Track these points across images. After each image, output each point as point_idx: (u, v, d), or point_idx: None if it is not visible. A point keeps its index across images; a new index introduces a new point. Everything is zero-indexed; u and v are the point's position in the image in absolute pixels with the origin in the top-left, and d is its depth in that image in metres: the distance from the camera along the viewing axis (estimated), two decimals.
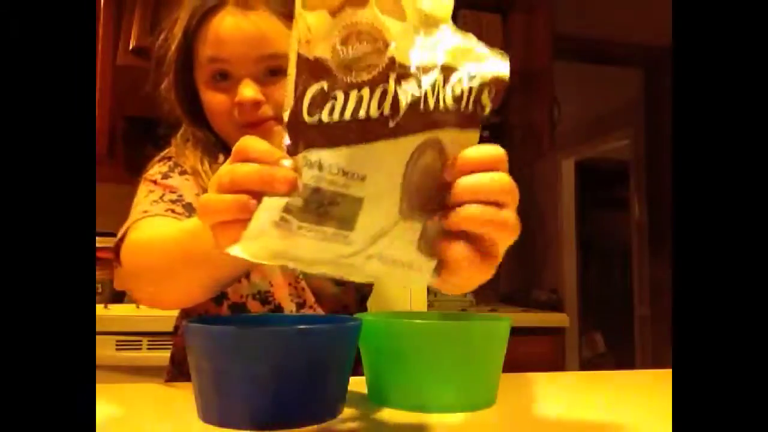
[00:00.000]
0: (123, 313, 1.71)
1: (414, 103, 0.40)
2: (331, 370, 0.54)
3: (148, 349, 1.65)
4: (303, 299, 0.83)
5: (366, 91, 0.38)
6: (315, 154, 0.38)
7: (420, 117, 0.40)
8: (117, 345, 1.67)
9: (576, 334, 4.07)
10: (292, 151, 0.38)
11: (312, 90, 0.38)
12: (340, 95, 0.38)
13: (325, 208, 0.39)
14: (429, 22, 0.42)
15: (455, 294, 0.52)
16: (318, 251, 0.40)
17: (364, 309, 0.94)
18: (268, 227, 0.39)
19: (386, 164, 0.40)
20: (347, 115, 0.38)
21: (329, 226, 0.39)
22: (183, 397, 0.63)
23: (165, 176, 0.80)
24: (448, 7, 0.43)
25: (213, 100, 0.78)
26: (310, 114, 0.38)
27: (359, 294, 0.92)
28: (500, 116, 2.62)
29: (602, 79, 3.39)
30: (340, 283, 0.85)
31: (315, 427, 0.52)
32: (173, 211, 0.74)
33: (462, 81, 0.42)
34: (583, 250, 4.42)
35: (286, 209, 0.38)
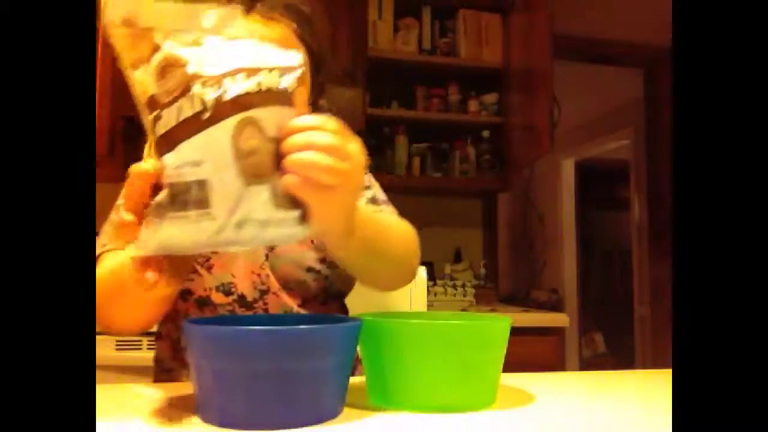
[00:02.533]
0: None
1: (219, 97, 0.51)
2: (330, 370, 0.54)
3: (148, 349, 1.65)
4: (267, 286, 0.86)
5: (181, 102, 0.51)
6: (164, 159, 0.51)
7: (227, 105, 0.52)
8: (117, 345, 1.67)
9: (576, 334, 4.07)
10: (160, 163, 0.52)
11: (153, 116, 0.52)
12: (166, 112, 0.51)
13: (183, 197, 0.50)
14: (228, 41, 0.55)
15: (331, 241, 0.65)
16: (193, 234, 0.50)
17: (339, 302, 0.94)
18: (146, 224, 0.51)
19: (212, 146, 0.51)
20: (172, 123, 0.51)
21: (191, 209, 0.50)
22: (183, 397, 0.63)
23: None
24: (247, 30, 0.59)
25: None
26: (155, 132, 0.52)
27: (333, 287, 0.91)
28: (500, 116, 2.63)
29: (602, 79, 3.39)
30: (309, 269, 0.87)
31: (315, 427, 0.52)
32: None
33: (262, 74, 0.54)
34: (583, 250, 4.42)
35: (157, 206, 0.51)
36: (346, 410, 0.57)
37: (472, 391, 0.59)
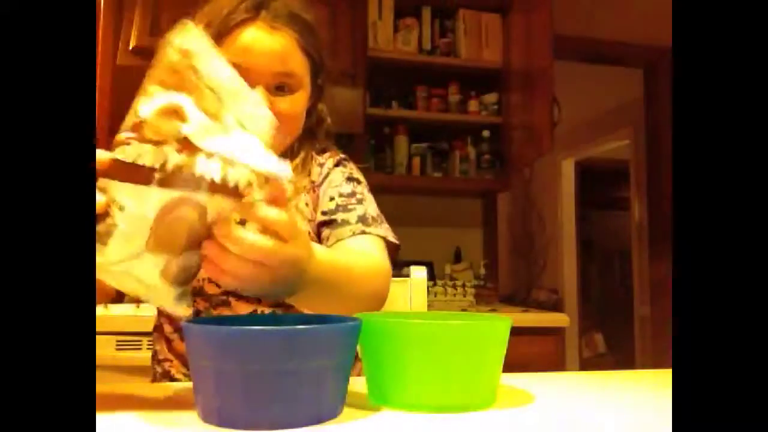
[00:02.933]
0: (123, 313, 1.71)
1: (179, 168, 0.53)
2: (330, 370, 0.54)
3: (148, 348, 1.65)
4: None
5: (150, 148, 0.52)
6: (108, 183, 0.53)
7: (183, 180, 0.53)
8: (117, 345, 1.67)
9: (576, 334, 4.07)
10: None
11: (121, 137, 0.53)
12: (136, 146, 0.52)
13: (101, 220, 0.52)
14: (240, 129, 0.56)
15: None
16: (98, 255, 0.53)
17: None
18: None
19: (143, 204, 0.53)
20: (129, 159, 0.52)
21: (98, 237, 0.53)
22: (183, 397, 0.63)
23: None
24: (264, 130, 0.58)
25: None
26: (114, 150, 0.53)
27: None
28: (500, 116, 2.63)
29: (602, 79, 3.39)
30: None
31: (315, 426, 0.52)
32: None
33: (235, 168, 0.55)
34: (583, 250, 4.42)
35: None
36: (346, 410, 0.57)
37: (472, 391, 0.59)
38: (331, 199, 0.92)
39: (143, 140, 0.53)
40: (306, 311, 0.77)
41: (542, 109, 2.27)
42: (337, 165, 0.97)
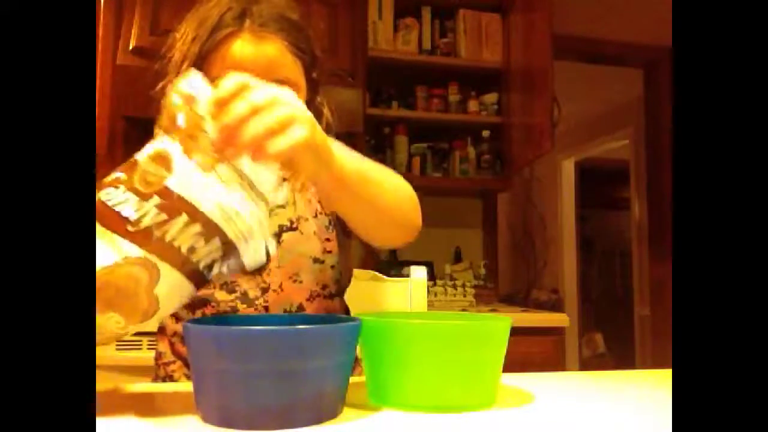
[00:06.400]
0: None
1: (154, 227, 0.52)
2: (330, 370, 0.54)
3: (148, 348, 1.65)
4: (268, 284, 0.87)
5: (135, 198, 0.52)
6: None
7: (151, 240, 0.52)
8: (117, 345, 1.67)
9: (576, 334, 4.07)
10: None
11: (115, 174, 0.53)
12: (123, 189, 0.53)
13: None
14: (241, 181, 0.55)
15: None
16: None
17: (341, 298, 0.95)
18: None
19: (103, 253, 0.52)
20: (111, 203, 0.52)
21: None
22: (183, 397, 0.63)
23: None
24: (270, 194, 0.57)
25: None
26: (102, 189, 0.53)
27: (340, 277, 0.93)
28: (500, 116, 2.63)
29: (602, 79, 3.39)
30: (315, 260, 0.89)
31: (315, 426, 0.52)
32: None
33: (209, 243, 0.54)
34: (583, 250, 4.43)
35: None
36: (346, 410, 0.57)
37: (472, 391, 0.59)
38: None
39: (129, 188, 0.53)
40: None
41: (542, 109, 2.27)
42: None
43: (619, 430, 0.54)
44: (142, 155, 0.54)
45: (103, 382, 0.64)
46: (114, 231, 0.52)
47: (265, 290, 0.86)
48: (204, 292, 0.84)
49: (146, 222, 0.52)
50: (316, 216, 0.92)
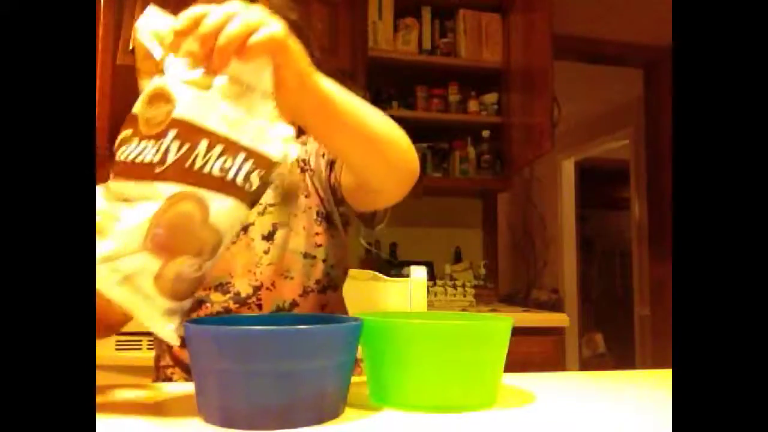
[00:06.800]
0: None
1: (180, 160, 0.51)
2: (331, 370, 0.54)
3: (148, 349, 1.65)
4: (260, 282, 0.87)
5: (151, 142, 0.51)
6: (111, 180, 0.53)
7: (182, 172, 0.51)
8: (117, 345, 1.67)
9: (576, 334, 4.07)
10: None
11: (122, 134, 0.53)
12: (136, 141, 0.52)
13: (101, 224, 0.51)
14: (244, 91, 0.54)
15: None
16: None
17: (336, 293, 0.95)
18: None
19: (144, 199, 0.51)
20: (131, 157, 0.52)
21: (97, 230, 0.51)
22: (183, 397, 0.63)
23: None
24: (267, 82, 0.55)
25: None
26: (116, 151, 0.53)
27: (332, 271, 0.93)
28: (500, 116, 2.63)
29: (602, 79, 3.39)
30: (306, 255, 0.89)
31: (316, 426, 0.52)
32: None
33: (235, 158, 0.52)
34: (583, 250, 4.43)
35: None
36: (347, 410, 0.57)
37: (473, 391, 0.59)
38: (322, 155, 0.93)
39: (141, 137, 0.52)
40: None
41: (542, 109, 2.27)
42: None
43: (619, 430, 0.54)
44: (137, 105, 0.53)
45: (103, 382, 0.64)
46: (145, 180, 0.51)
47: (257, 288, 0.87)
48: (199, 293, 0.84)
49: (171, 158, 0.51)
50: (305, 211, 0.92)
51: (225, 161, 0.52)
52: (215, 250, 0.54)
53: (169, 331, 0.54)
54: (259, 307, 0.86)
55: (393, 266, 2.41)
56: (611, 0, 2.86)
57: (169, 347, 0.91)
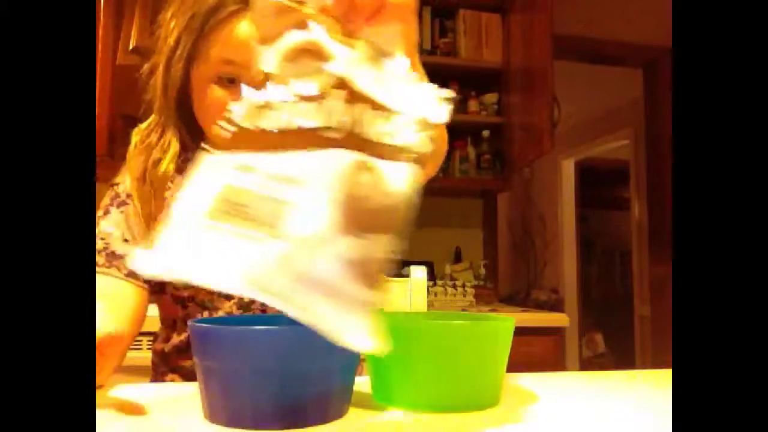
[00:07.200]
0: None
1: (356, 125, 0.43)
2: (336, 370, 0.54)
3: (148, 349, 1.64)
4: None
5: (309, 106, 0.42)
6: (245, 156, 0.41)
7: (359, 139, 0.43)
8: None
9: (576, 334, 4.07)
10: (221, 146, 0.42)
11: (256, 105, 0.42)
12: (281, 105, 0.42)
13: (249, 210, 0.39)
14: (380, 55, 0.46)
15: None
16: (241, 254, 0.39)
17: None
18: (166, 229, 0.40)
19: (320, 172, 0.41)
20: (282, 124, 0.41)
21: (253, 228, 0.39)
22: (183, 397, 0.63)
23: (106, 212, 0.83)
24: (399, 45, 0.47)
25: (215, 96, 0.79)
26: (243, 119, 0.42)
27: None
28: (500, 116, 2.63)
29: (602, 79, 3.39)
30: None
31: (321, 426, 0.52)
32: (97, 264, 0.77)
33: (398, 120, 0.44)
34: (583, 250, 4.43)
35: (187, 212, 0.40)
36: (351, 410, 0.57)
37: (476, 391, 0.59)
38: None
39: (284, 96, 0.42)
40: None
41: (542, 109, 2.27)
42: None
43: (619, 430, 0.54)
44: (271, 64, 0.44)
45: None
46: (310, 147, 0.42)
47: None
48: (201, 297, 0.84)
49: (345, 122, 0.43)
50: None
51: (387, 125, 0.44)
52: (405, 221, 0.44)
53: (363, 335, 0.42)
54: (263, 312, 0.86)
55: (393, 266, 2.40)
56: (611, 0, 2.86)
57: (166, 354, 0.89)
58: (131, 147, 0.87)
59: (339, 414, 0.55)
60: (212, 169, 0.41)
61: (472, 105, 2.64)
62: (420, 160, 0.45)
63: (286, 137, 0.42)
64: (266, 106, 0.43)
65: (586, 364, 4.44)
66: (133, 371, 1.66)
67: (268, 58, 0.43)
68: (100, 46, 2.00)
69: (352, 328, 0.41)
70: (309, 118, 0.42)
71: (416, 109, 0.45)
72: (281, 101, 0.42)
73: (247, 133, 0.42)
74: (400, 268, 2.44)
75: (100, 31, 2.01)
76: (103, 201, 0.86)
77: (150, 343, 0.99)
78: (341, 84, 0.43)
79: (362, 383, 0.63)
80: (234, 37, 0.77)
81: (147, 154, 0.85)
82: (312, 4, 0.45)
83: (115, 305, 0.74)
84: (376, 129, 0.43)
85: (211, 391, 0.54)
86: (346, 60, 0.44)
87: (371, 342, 0.41)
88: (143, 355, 1.64)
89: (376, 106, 0.44)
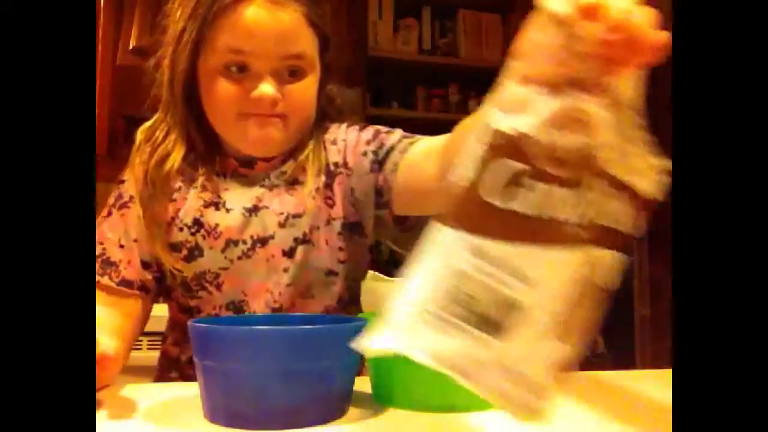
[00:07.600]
0: None
1: (597, 216, 0.36)
2: (337, 370, 0.54)
3: (149, 349, 1.64)
4: (279, 304, 0.80)
5: (563, 191, 0.34)
6: (481, 241, 0.35)
7: (592, 230, 0.36)
8: None
9: None
10: (444, 221, 0.37)
11: (502, 167, 0.35)
12: (535, 185, 0.34)
13: (472, 305, 0.35)
14: (627, 118, 0.38)
15: None
16: (456, 350, 0.36)
17: (356, 306, 0.90)
18: (413, 318, 0.36)
19: (559, 274, 0.35)
20: (535, 210, 0.34)
21: (474, 326, 0.35)
22: (184, 397, 0.63)
23: (108, 213, 0.82)
24: (635, 96, 0.39)
25: (223, 88, 0.77)
26: (491, 195, 0.35)
27: (353, 287, 0.86)
28: None
29: None
30: (329, 272, 0.82)
31: (321, 426, 0.52)
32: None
33: (615, 201, 0.38)
34: None
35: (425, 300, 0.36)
36: (351, 410, 0.57)
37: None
38: (364, 154, 0.84)
39: (538, 177, 0.34)
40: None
41: None
42: (347, 128, 0.90)
43: (619, 430, 0.54)
44: (528, 124, 0.35)
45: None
46: (559, 243, 0.35)
47: (276, 311, 0.79)
48: (208, 311, 0.81)
49: (592, 214, 0.35)
50: (328, 223, 0.82)
51: (609, 206, 0.37)
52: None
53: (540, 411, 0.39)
54: None
55: (393, 266, 2.40)
56: None
57: (178, 363, 0.87)
58: (135, 146, 0.84)
59: (340, 414, 0.55)
60: (448, 248, 0.37)
61: (472, 105, 2.64)
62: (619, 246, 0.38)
63: (527, 223, 0.35)
64: (519, 183, 0.34)
65: (586, 364, 4.43)
66: (135, 371, 1.66)
67: (525, 120, 0.35)
68: (100, 46, 2.00)
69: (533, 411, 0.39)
70: (563, 209, 0.35)
71: (639, 185, 0.38)
72: (535, 182, 0.34)
73: (485, 209, 0.35)
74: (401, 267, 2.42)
75: (100, 31, 2.01)
76: (109, 200, 0.84)
77: (150, 343, 0.98)
78: (602, 171, 0.35)
79: (362, 383, 0.63)
80: (242, 24, 0.74)
81: (150, 154, 0.82)
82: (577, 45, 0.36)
83: (106, 317, 0.72)
84: (607, 214, 0.37)
85: (211, 391, 0.54)
86: (606, 131, 0.35)
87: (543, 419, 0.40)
88: (143, 355, 1.64)
89: (611, 184, 0.37)
